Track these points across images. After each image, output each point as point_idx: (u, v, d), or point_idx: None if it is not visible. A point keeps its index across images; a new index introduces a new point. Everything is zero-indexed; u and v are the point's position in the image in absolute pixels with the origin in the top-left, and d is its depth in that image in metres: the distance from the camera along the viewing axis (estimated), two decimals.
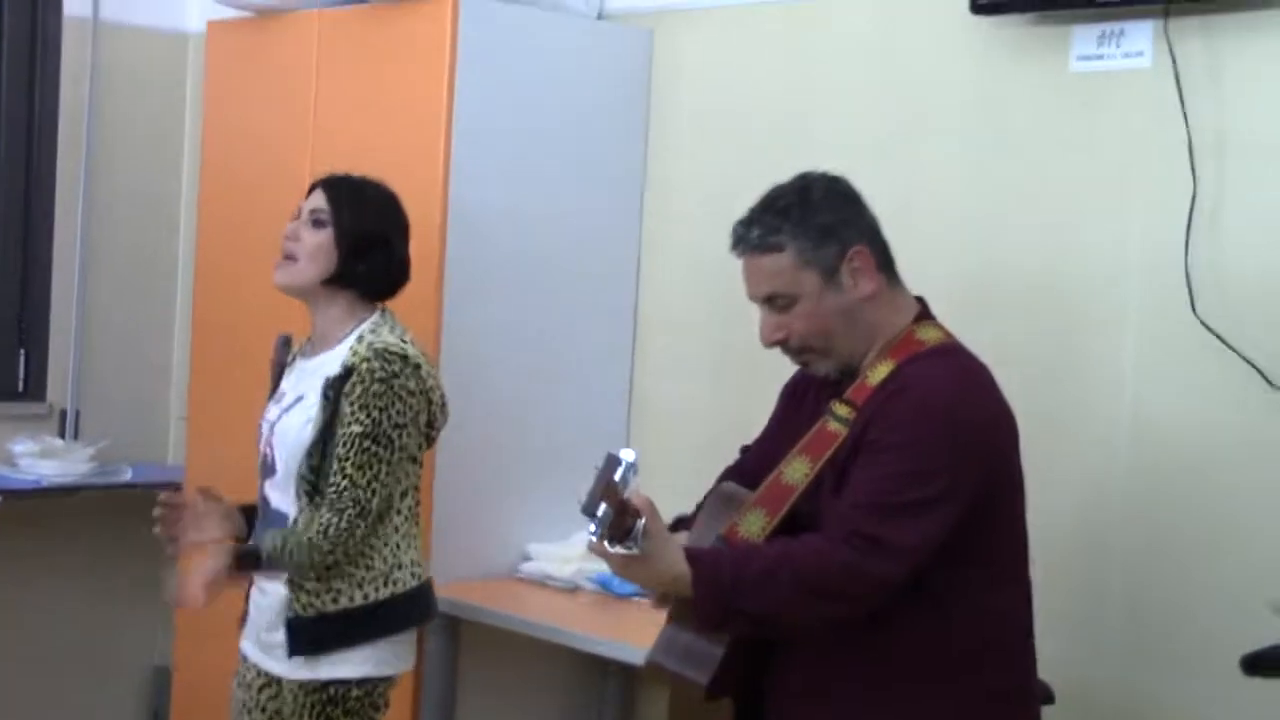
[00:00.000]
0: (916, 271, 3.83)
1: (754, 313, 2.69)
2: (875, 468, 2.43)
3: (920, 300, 2.66)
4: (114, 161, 5.37)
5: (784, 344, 2.59)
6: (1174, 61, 3.39)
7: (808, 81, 4.12)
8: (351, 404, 3.16)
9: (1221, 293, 3.38)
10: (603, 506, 2.25)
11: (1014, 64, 3.71)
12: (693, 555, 2.37)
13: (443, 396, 3.32)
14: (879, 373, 2.51)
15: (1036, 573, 3.61)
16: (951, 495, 2.42)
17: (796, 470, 2.52)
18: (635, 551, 2.30)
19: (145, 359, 5.46)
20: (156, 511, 3.22)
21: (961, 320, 3.75)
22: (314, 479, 3.17)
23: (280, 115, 4.49)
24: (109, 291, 5.37)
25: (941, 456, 2.42)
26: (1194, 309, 3.38)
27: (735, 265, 2.71)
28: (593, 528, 2.27)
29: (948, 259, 3.83)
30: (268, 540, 3.16)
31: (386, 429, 3.15)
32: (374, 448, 3.13)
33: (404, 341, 3.25)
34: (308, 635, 3.20)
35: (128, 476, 5.07)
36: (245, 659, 3.40)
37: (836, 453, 2.50)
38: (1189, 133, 3.39)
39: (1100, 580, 3.57)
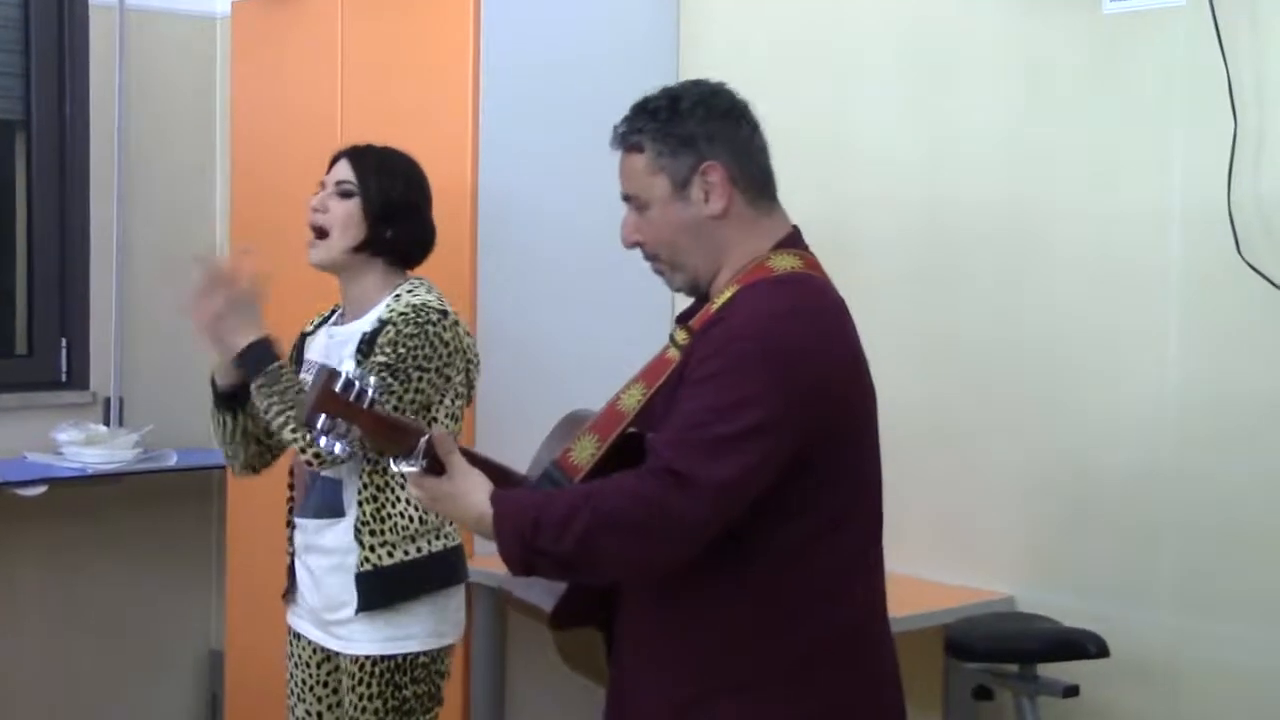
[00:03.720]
0: (950, 216, 3.85)
1: None
2: (688, 401, 2.31)
3: (794, 229, 2.50)
4: (147, 147, 5.37)
5: (642, 249, 2.49)
6: None
7: (839, 26, 4.09)
8: (381, 345, 3.17)
9: (1267, 233, 3.33)
10: (322, 417, 2.27)
11: (1046, 7, 3.65)
12: (496, 496, 2.32)
13: (477, 354, 3.32)
14: (721, 300, 2.39)
15: (1089, 529, 3.62)
16: (765, 431, 2.25)
17: (631, 396, 2.44)
18: (416, 469, 2.31)
19: (187, 343, 5.39)
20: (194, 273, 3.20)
21: (997, 268, 3.76)
22: None
23: (308, 90, 4.47)
24: (148, 277, 5.37)
25: (753, 389, 2.26)
26: (1239, 250, 3.33)
27: None
28: (321, 441, 2.30)
29: (983, 206, 3.80)
30: (280, 377, 3.14)
31: (409, 366, 3.14)
32: (390, 379, 3.12)
33: (441, 300, 3.27)
34: (371, 590, 3.21)
35: (173, 461, 5.08)
36: (299, 637, 3.40)
37: (669, 379, 2.40)
38: (1228, 71, 3.34)
39: (1152, 534, 3.53)
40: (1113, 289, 3.58)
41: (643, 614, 2.46)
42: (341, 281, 3.36)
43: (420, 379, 3.16)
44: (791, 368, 2.28)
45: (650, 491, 2.25)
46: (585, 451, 2.41)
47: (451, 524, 3.29)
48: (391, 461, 2.35)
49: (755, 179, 2.44)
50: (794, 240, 2.47)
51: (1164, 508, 3.51)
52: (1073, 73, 3.65)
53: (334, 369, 2.31)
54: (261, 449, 3.38)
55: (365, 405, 2.29)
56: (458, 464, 2.34)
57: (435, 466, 2.34)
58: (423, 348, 3.17)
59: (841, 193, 4.06)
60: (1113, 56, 3.57)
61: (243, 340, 3.16)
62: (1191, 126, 3.45)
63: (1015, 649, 3.47)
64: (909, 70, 3.96)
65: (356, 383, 2.29)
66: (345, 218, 3.28)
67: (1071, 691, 3.44)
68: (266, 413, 3.15)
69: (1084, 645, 3.41)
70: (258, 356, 3.15)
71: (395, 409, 3.11)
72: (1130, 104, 3.55)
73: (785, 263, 2.41)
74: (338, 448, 2.31)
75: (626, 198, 2.47)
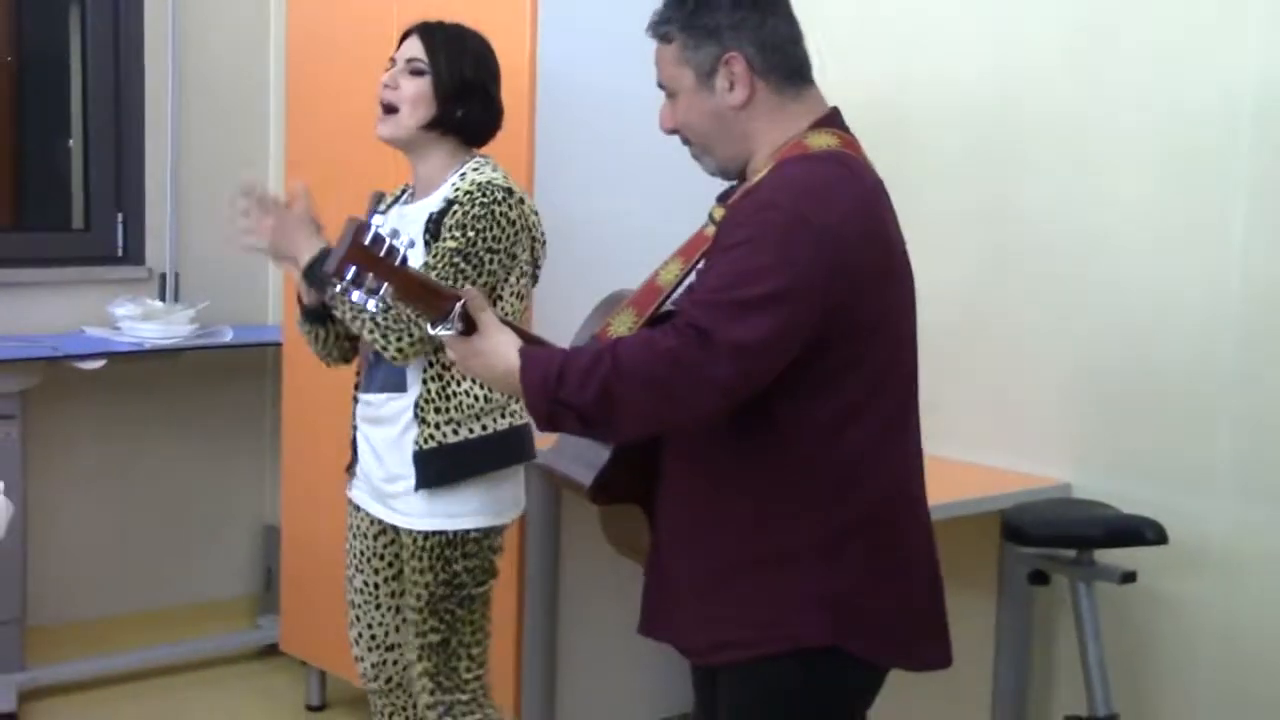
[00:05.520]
0: (1012, 98, 3.80)
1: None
2: (716, 265, 2.36)
3: (834, 109, 2.52)
4: (203, 21, 5.35)
5: (679, 134, 2.55)
6: None
7: None
8: (449, 227, 3.18)
9: None
10: (352, 269, 2.28)
11: None
12: (524, 350, 2.38)
13: (543, 233, 3.33)
14: (758, 176, 2.42)
15: (1148, 416, 3.60)
16: (789, 297, 2.28)
17: (669, 271, 2.51)
18: (452, 333, 2.37)
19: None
20: (241, 203, 3.20)
21: (1060, 151, 3.71)
22: None
23: None
24: (204, 153, 5.37)
25: (779, 255, 2.29)
26: None
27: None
28: (352, 294, 2.31)
29: (1053, 96, 3.75)
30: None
31: (479, 250, 3.16)
32: (462, 264, 3.14)
33: (506, 178, 3.26)
34: (433, 467, 3.24)
35: (229, 338, 5.11)
36: (358, 509, 3.44)
37: (705, 254, 2.45)
38: None
39: (1212, 422, 3.52)
40: (1179, 178, 3.54)
41: (679, 489, 2.52)
42: (410, 160, 3.35)
43: (491, 260, 3.17)
44: (819, 239, 2.31)
45: (672, 346, 2.29)
46: (624, 325, 2.47)
47: (518, 401, 3.30)
48: (428, 325, 2.40)
49: (782, 67, 2.48)
50: (832, 120, 2.51)
51: (1224, 396, 3.49)
52: None
53: (363, 221, 2.32)
54: (354, 343, 3.42)
55: (395, 262, 2.32)
56: (489, 321, 2.40)
57: (469, 328, 2.39)
58: (491, 229, 3.16)
59: (902, 70, 4.01)
60: None
61: (306, 256, 3.18)
62: (1267, 9, 3.37)
63: (1073, 534, 3.48)
64: None
65: (387, 238, 2.31)
66: (415, 95, 3.26)
67: (1129, 578, 3.44)
68: (344, 318, 3.19)
69: (1142, 532, 3.41)
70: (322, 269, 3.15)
71: None
72: None
73: (822, 141, 2.45)
74: (370, 304, 2.33)
75: (661, 85, 2.54)
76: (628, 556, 2.75)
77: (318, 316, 3.34)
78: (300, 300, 3.33)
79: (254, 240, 3.21)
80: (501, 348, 2.39)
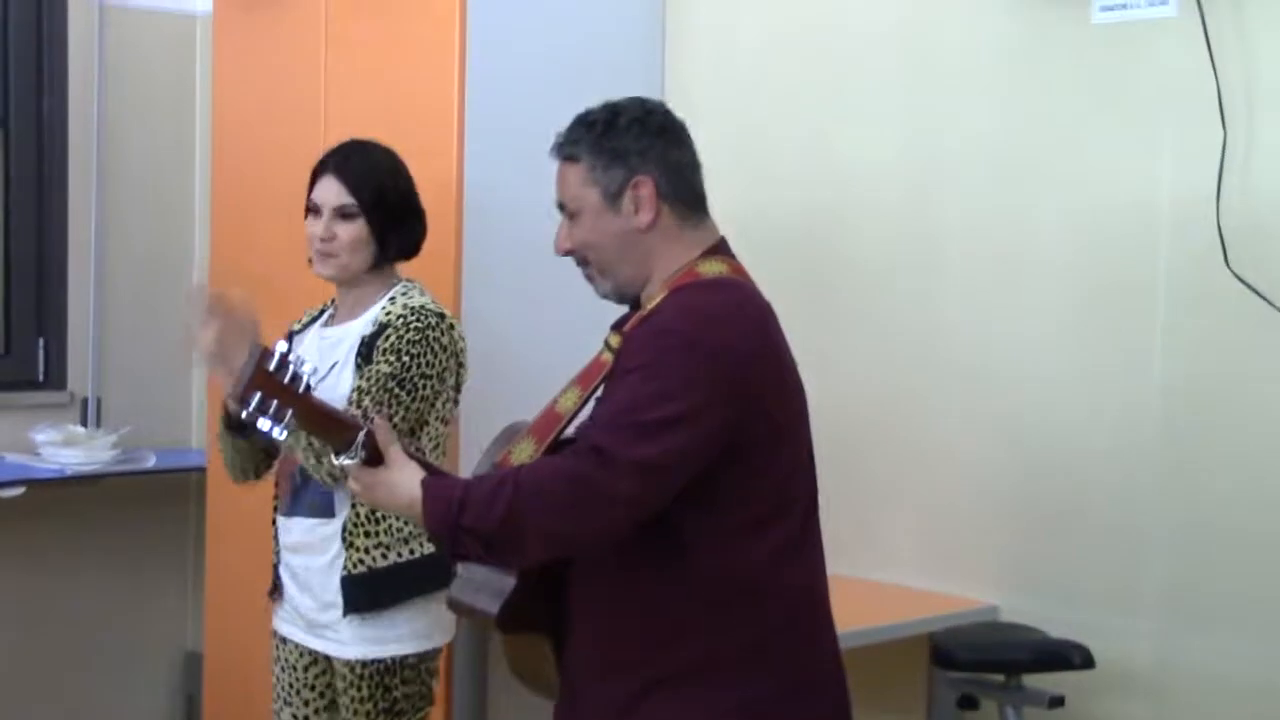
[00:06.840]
0: (935, 223, 3.84)
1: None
2: (616, 392, 2.41)
3: (721, 239, 2.60)
4: (126, 146, 5.34)
5: (573, 255, 2.60)
6: (1200, 9, 3.34)
7: (827, 32, 4.09)
8: (383, 350, 3.16)
9: (1255, 244, 3.32)
10: (257, 396, 2.28)
11: (1036, 17, 3.65)
12: (426, 480, 2.41)
13: (465, 357, 3.32)
14: (653, 303, 2.49)
15: (1074, 538, 3.61)
16: (691, 420, 2.33)
17: (568, 399, 2.54)
18: (355, 461, 2.39)
19: (165, 344, 5.42)
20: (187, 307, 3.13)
21: (991, 276, 3.75)
22: None
23: (292, 89, 4.43)
24: (126, 277, 5.34)
25: (679, 379, 2.35)
26: (1227, 262, 3.32)
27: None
28: (258, 421, 2.30)
29: (976, 217, 3.79)
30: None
31: (414, 375, 3.14)
32: (397, 390, 3.12)
33: (436, 303, 3.27)
34: (362, 592, 3.20)
35: (151, 463, 5.05)
36: (285, 641, 3.38)
37: (602, 381, 2.51)
38: (1218, 82, 3.34)
39: (1137, 544, 3.53)
40: (1100, 299, 3.58)
41: (589, 610, 2.52)
42: (340, 285, 3.33)
43: (425, 386, 3.16)
44: (716, 361, 2.37)
45: (574, 467, 2.34)
46: (524, 453, 2.49)
47: None
48: (332, 455, 2.42)
49: (684, 194, 2.56)
50: (721, 249, 2.59)
51: (1149, 517, 3.51)
52: (1062, 83, 3.64)
53: (267, 347, 2.32)
54: (269, 458, 3.37)
55: (300, 389, 2.32)
56: (396, 454, 2.43)
57: (374, 459, 2.41)
58: (425, 355, 3.16)
59: (824, 196, 4.05)
60: (1102, 67, 3.57)
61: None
62: (1181, 137, 3.44)
63: (1001, 659, 3.47)
64: (896, 75, 3.95)
65: (291, 365, 2.31)
66: (353, 241, 3.24)
67: (1057, 702, 3.44)
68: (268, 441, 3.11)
69: (1069, 656, 3.41)
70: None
71: (403, 419, 3.10)
72: (1120, 114, 3.54)
73: (713, 268, 2.53)
74: (275, 431, 2.32)
75: (561, 206, 2.59)
76: (532, 689, 2.74)
77: (243, 426, 3.24)
78: (226, 410, 3.24)
79: (196, 346, 3.11)
80: (406, 478, 2.42)
